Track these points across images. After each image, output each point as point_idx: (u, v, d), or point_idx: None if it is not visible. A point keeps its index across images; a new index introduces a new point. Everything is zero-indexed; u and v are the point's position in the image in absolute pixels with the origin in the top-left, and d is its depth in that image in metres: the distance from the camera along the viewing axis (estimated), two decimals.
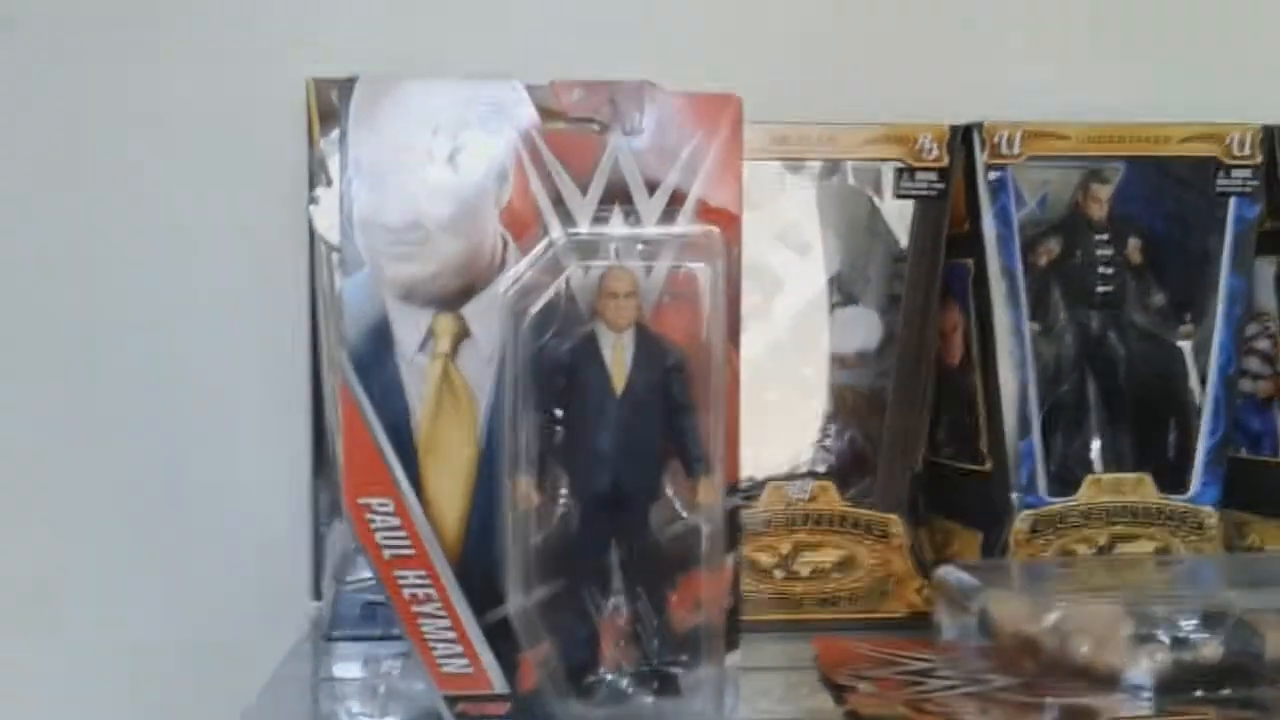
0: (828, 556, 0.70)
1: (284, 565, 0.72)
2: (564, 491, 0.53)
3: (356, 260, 0.52)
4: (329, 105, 0.65)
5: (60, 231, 0.78)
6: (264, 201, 0.76)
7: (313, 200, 0.67)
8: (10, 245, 0.78)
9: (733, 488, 0.54)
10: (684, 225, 0.53)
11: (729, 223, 0.54)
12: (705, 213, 0.53)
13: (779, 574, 0.70)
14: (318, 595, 0.69)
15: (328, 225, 0.66)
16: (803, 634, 0.67)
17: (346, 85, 0.52)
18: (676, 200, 0.53)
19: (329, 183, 0.66)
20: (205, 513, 0.79)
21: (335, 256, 0.64)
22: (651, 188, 0.53)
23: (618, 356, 0.52)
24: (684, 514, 0.53)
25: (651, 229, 0.53)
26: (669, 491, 0.53)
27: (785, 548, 0.70)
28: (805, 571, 0.70)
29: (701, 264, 0.53)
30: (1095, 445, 0.73)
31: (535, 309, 0.53)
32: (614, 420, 0.52)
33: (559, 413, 0.52)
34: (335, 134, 0.55)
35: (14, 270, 0.78)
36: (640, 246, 0.53)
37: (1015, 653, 0.60)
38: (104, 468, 0.79)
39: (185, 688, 0.78)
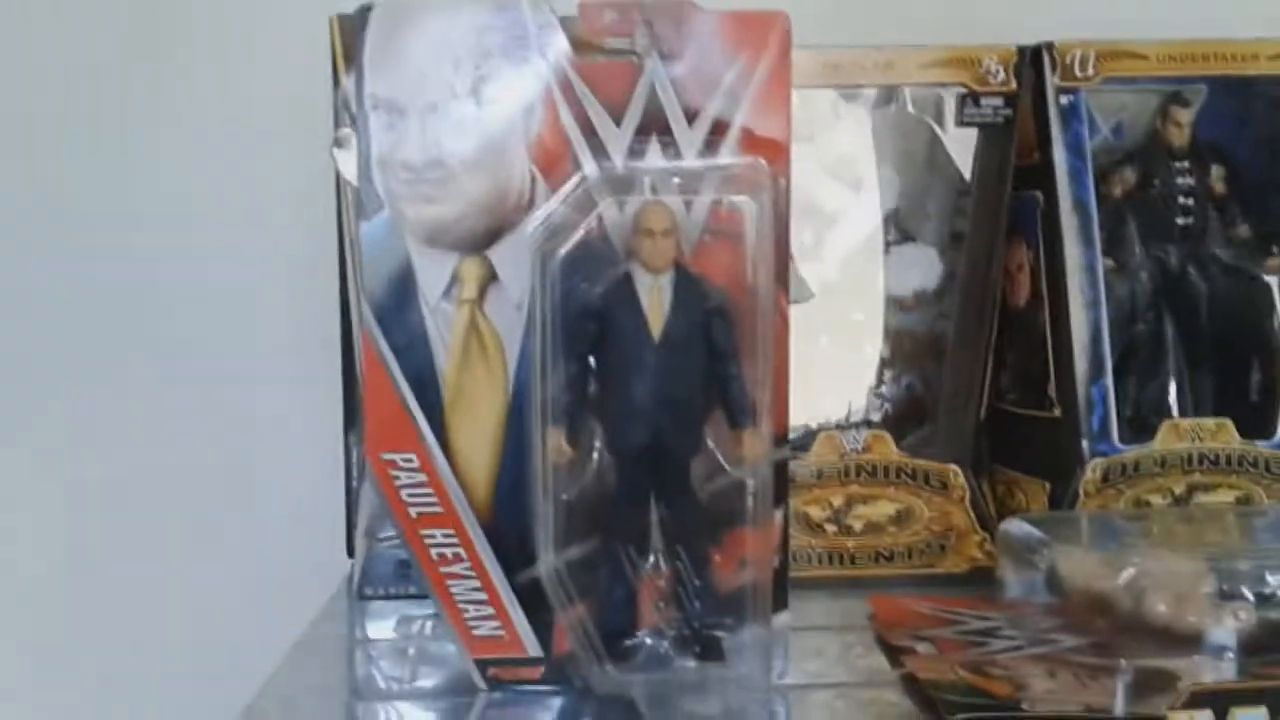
0: (883, 510, 0.67)
1: (317, 522, 0.71)
2: (598, 445, 0.50)
3: (375, 202, 0.50)
4: (353, 43, 0.62)
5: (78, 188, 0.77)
6: (291, 147, 0.73)
7: (337, 143, 0.64)
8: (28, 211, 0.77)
9: (781, 439, 0.50)
10: (727, 157, 0.50)
11: (776, 153, 0.50)
12: (750, 143, 0.50)
13: (831, 528, 0.67)
14: (351, 552, 0.67)
15: (352, 168, 0.63)
16: (856, 591, 0.65)
17: (361, 15, 0.50)
18: (719, 130, 0.50)
19: (352, 123, 0.63)
20: (235, 470, 0.79)
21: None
22: (691, 117, 0.50)
23: (655, 300, 0.49)
24: (727, 468, 0.50)
25: (692, 161, 0.50)
26: (711, 444, 0.50)
27: (838, 501, 0.67)
28: (859, 526, 0.67)
29: (746, 198, 0.49)
30: (1172, 388, 0.70)
31: (565, 250, 0.49)
32: (651, 369, 0.49)
33: (592, 361, 0.50)
34: None
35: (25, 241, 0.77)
36: (679, 180, 0.49)
37: (1086, 611, 0.57)
38: (130, 427, 0.78)
39: (216, 647, 0.77)
